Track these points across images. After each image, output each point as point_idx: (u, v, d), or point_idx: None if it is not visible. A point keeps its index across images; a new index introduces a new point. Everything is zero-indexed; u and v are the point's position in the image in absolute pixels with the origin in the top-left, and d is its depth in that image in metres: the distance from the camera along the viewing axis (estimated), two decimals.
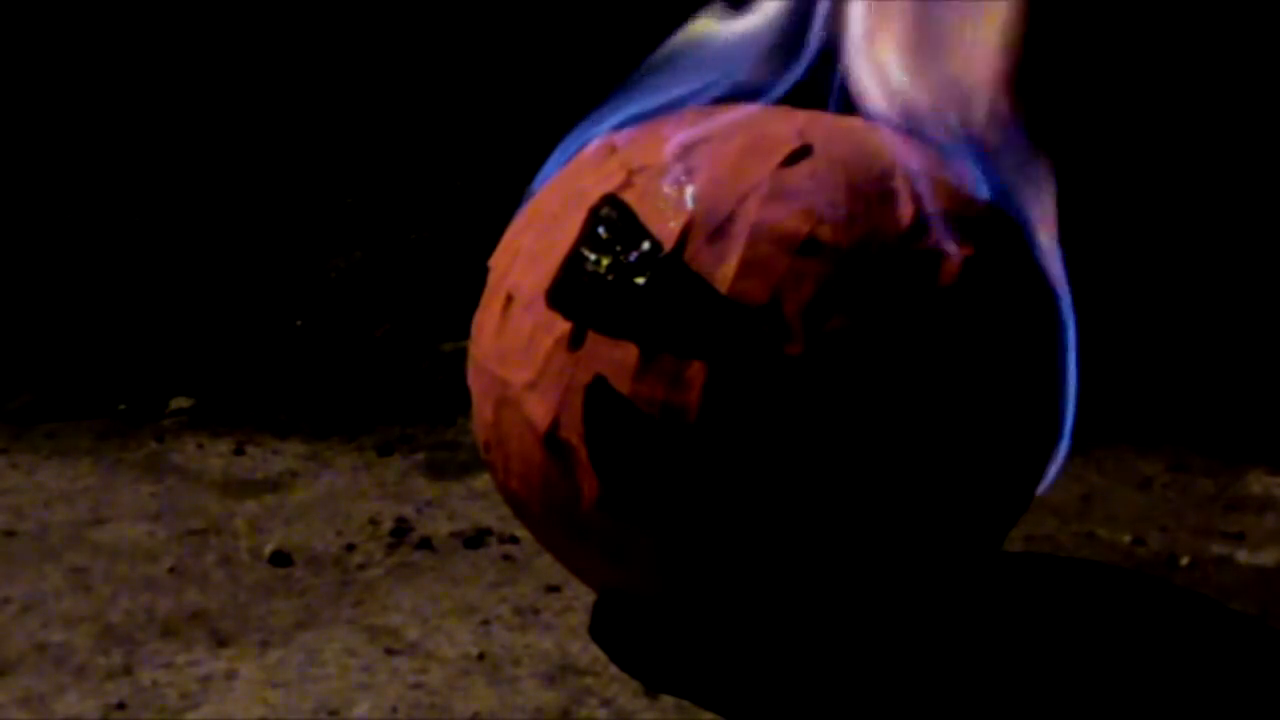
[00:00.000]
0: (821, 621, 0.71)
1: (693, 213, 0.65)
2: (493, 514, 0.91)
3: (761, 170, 0.66)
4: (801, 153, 0.67)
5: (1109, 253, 1.15)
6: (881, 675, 0.72)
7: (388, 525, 0.90)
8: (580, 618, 0.78)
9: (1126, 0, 1.17)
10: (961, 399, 0.65)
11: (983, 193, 0.70)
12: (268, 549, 0.86)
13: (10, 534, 0.88)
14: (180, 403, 1.11)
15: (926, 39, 0.71)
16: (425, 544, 0.87)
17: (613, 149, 0.70)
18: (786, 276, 0.64)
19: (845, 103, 0.72)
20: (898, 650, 0.74)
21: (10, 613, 0.78)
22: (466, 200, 1.31)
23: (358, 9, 1.31)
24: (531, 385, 0.67)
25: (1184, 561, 0.87)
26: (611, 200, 0.67)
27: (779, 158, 0.66)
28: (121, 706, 0.69)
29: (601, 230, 0.66)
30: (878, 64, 0.71)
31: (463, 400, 0.74)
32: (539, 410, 0.67)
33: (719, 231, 0.65)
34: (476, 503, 0.94)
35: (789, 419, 0.63)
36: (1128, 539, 0.90)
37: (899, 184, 0.67)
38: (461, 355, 0.75)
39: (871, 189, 0.66)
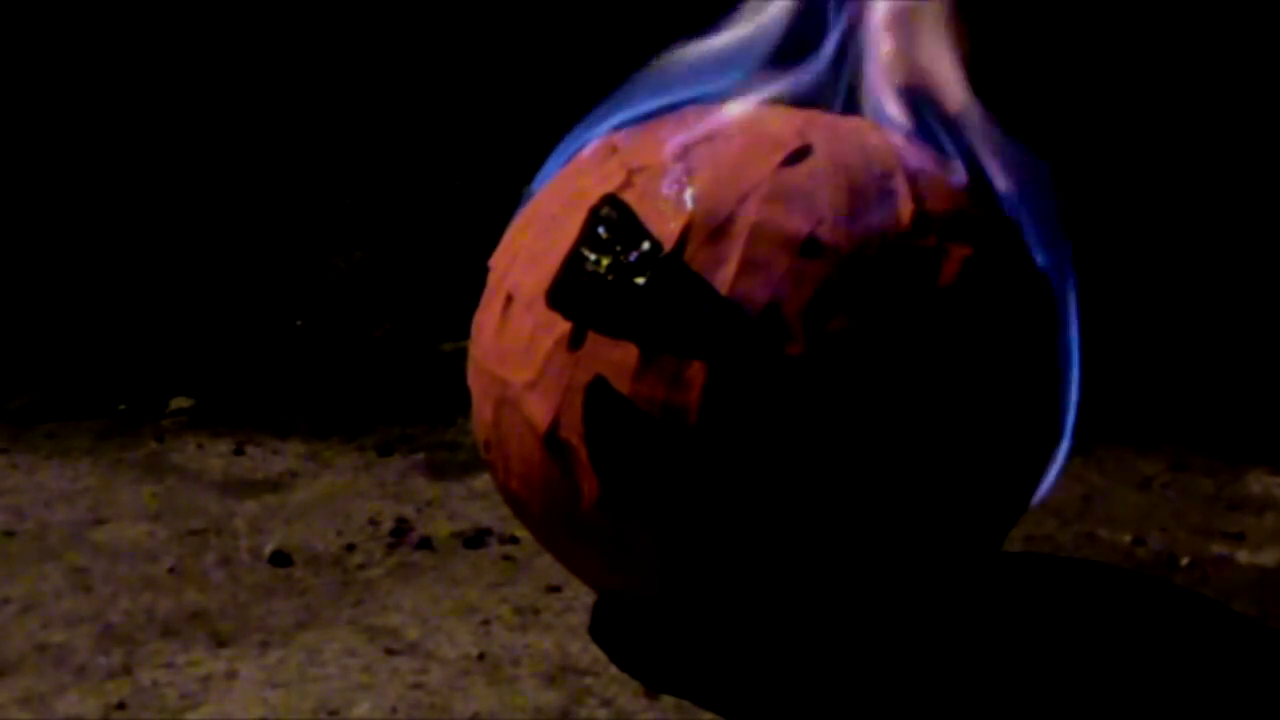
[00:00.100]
0: (821, 621, 0.71)
1: (693, 213, 0.65)
2: (493, 514, 0.90)
3: (761, 170, 0.66)
4: (801, 153, 0.67)
5: (1109, 253, 1.15)
6: (881, 675, 0.72)
7: (388, 525, 0.90)
8: (580, 618, 0.78)
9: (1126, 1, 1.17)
10: (961, 399, 0.65)
11: (983, 193, 0.70)
12: (268, 549, 0.86)
13: (10, 534, 0.88)
14: (180, 403, 1.11)
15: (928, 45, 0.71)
16: (425, 544, 0.87)
17: (613, 149, 0.70)
18: (786, 276, 0.64)
19: (852, 104, 0.73)
20: (898, 650, 0.74)
21: (10, 613, 0.78)
22: (466, 200, 1.31)
23: (357, 9, 1.31)
24: (531, 385, 0.67)
25: (1184, 561, 0.87)
26: (611, 200, 0.67)
27: (779, 158, 0.66)
28: (121, 706, 0.69)
29: (601, 230, 0.66)
30: (893, 67, 0.71)
31: (463, 400, 0.74)
32: (539, 410, 0.67)
33: (719, 231, 0.65)
34: (476, 503, 0.94)
35: (789, 419, 0.63)
36: (1128, 539, 0.90)
37: (899, 184, 0.67)
38: (461, 355, 0.75)
39: (871, 189, 0.66)
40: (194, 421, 1.08)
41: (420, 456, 1.02)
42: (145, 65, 1.31)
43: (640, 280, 0.65)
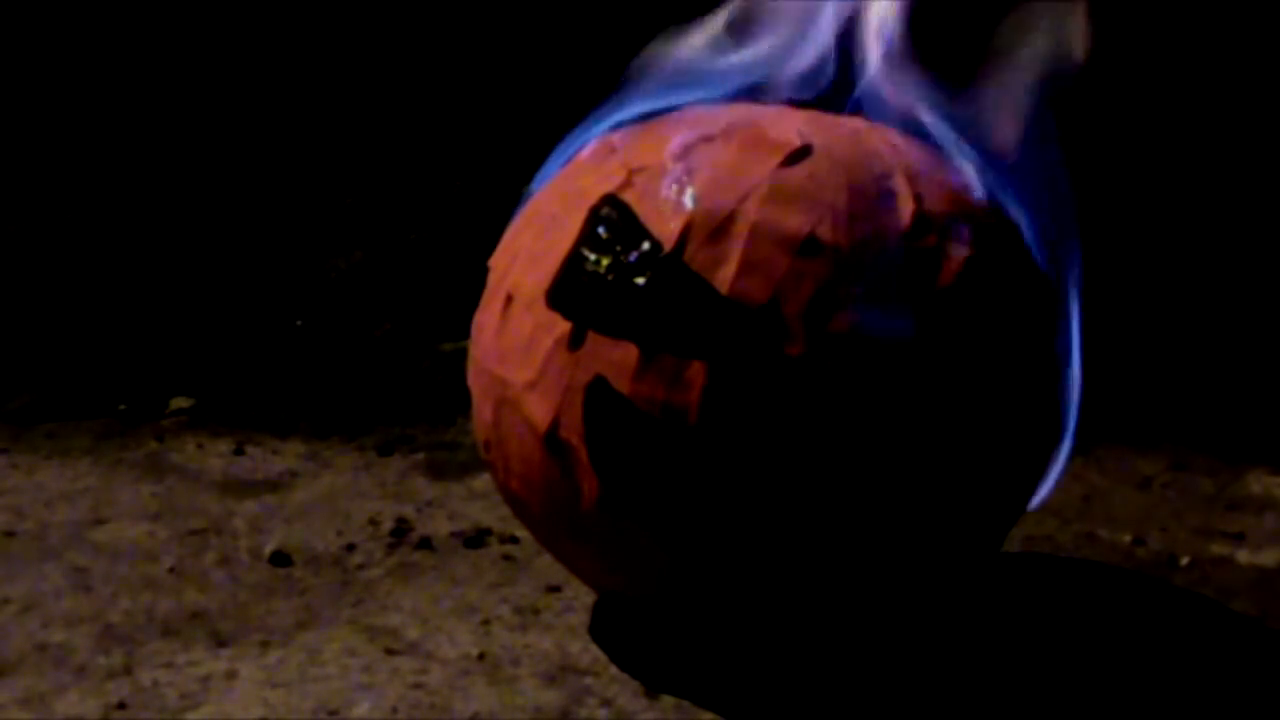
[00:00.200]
0: (821, 622, 0.71)
1: (693, 213, 0.65)
2: (493, 514, 0.90)
3: (761, 170, 0.66)
4: (801, 153, 0.67)
5: (1109, 253, 1.15)
6: (881, 675, 0.72)
7: (388, 525, 0.90)
8: (580, 618, 0.78)
9: (1127, 1, 1.17)
10: (962, 399, 0.65)
11: (983, 193, 0.70)
12: (268, 549, 0.86)
13: (10, 534, 0.88)
14: (180, 403, 1.11)
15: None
16: (425, 544, 0.87)
17: (613, 149, 0.70)
18: (786, 276, 0.64)
19: (857, 106, 0.73)
20: (898, 650, 0.74)
21: (10, 613, 0.78)
22: (466, 200, 1.31)
23: (357, 9, 1.31)
24: (531, 385, 0.67)
25: (1184, 561, 0.87)
26: (611, 200, 0.67)
27: (779, 158, 0.66)
28: (121, 706, 0.69)
29: (601, 230, 0.66)
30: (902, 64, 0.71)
31: (463, 400, 0.74)
32: (539, 410, 0.67)
33: (719, 231, 0.65)
34: (476, 503, 0.94)
35: (789, 419, 0.63)
36: (1128, 539, 0.90)
37: (899, 184, 0.67)
38: (461, 355, 0.75)
39: (871, 189, 0.66)
40: (194, 421, 1.08)
41: (420, 456, 1.02)
42: (145, 66, 1.31)
43: (640, 280, 0.65)
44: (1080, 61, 0.70)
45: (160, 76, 1.32)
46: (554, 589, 0.81)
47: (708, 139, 0.68)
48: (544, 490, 0.69)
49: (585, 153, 0.72)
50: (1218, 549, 0.89)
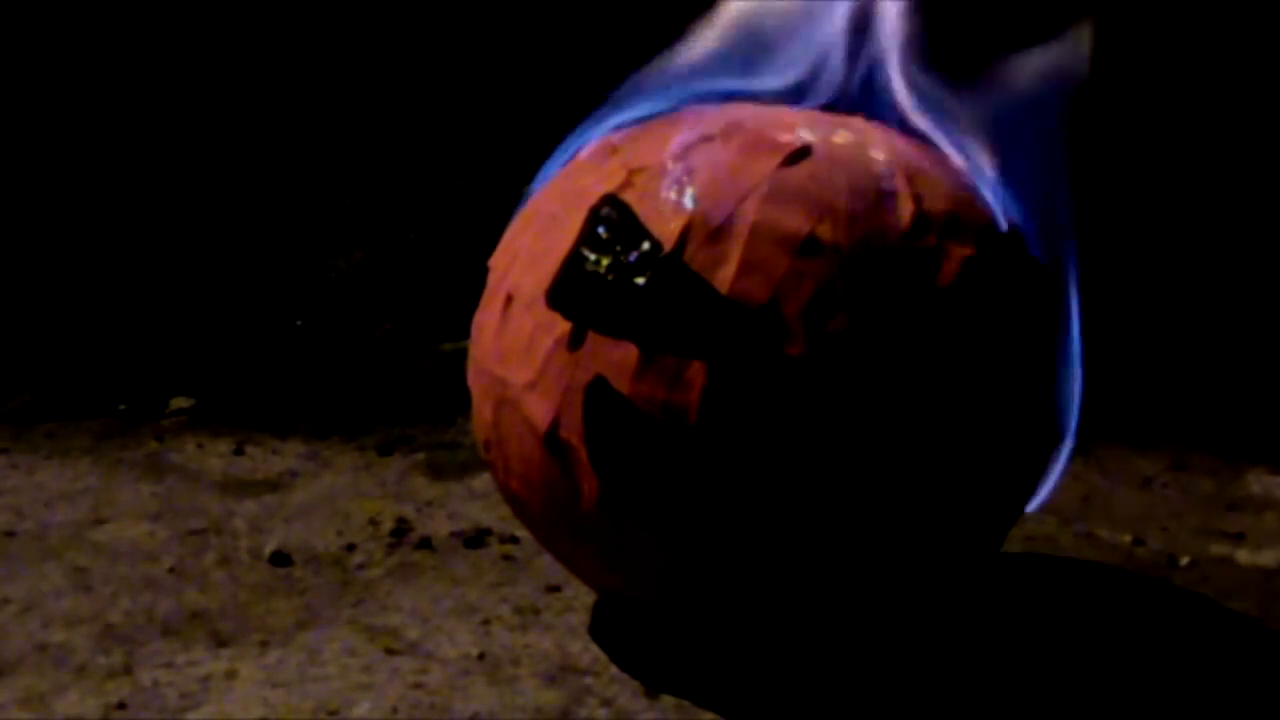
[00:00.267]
0: (821, 622, 0.71)
1: (693, 213, 0.65)
2: (493, 514, 0.90)
3: (761, 170, 0.66)
4: (801, 153, 0.67)
5: (1109, 252, 1.15)
6: (881, 675, 0.72)
7: (388, 525, 0.90)
8: (580, 618, 0.78)
9: (1127, 1, 1.17)
10: (962, 399, 0.65)
11: (983, 193, 0.70)
12: (268, 549, 0.86)
13: (10, 534, 0.88)
14: (180, 403, 1.11)
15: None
16: (425, 544, 0.87)
17: (613, 149, 0.70)
18: (786, 276, 0.64)
19: (859, 107, 0.73)
20: (898, 650, 0.74)
21: (10, 613, 0.78)
22: (466, 200, 1.31)
23: (357, 9, 1.31)
24: (531, 385, 0.67)
25: (1184, 561, 0.87)
26: (611, 200, 0.67)
27: (779, 158, 0.66)
28: (121, 706, 0.69)
29: (601, 230, 0.66)
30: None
31: (463, 400, 0.74)
32: (539, 410, 0.67)
33: (719, 231, 0.65)
34: (476, 503, 0.94)
35: (789, 419, 0.63)
36: (1128, 539, 0.90)
37: (899, 184, 0.67)
38: (461, 355, 0.75)
39: (871, 189, 0.66)
40: (194, 421, 1.08)
41: (420, 456, 1.02)
42: (145, 66, 1.31)
43: (640, 280, 0.65)
44: (1085, 63, 0.70)
45: (160, 77, 1.32)
46: (554, 589, 0.81)
47: (708, 139, 0.68)
48: (544, 490, 0.69)
49: (585, 153, 0.72)
50: (1218, 549, 0.89)
